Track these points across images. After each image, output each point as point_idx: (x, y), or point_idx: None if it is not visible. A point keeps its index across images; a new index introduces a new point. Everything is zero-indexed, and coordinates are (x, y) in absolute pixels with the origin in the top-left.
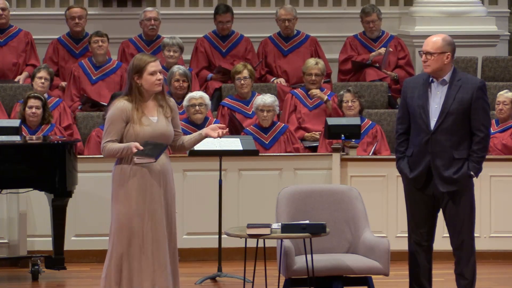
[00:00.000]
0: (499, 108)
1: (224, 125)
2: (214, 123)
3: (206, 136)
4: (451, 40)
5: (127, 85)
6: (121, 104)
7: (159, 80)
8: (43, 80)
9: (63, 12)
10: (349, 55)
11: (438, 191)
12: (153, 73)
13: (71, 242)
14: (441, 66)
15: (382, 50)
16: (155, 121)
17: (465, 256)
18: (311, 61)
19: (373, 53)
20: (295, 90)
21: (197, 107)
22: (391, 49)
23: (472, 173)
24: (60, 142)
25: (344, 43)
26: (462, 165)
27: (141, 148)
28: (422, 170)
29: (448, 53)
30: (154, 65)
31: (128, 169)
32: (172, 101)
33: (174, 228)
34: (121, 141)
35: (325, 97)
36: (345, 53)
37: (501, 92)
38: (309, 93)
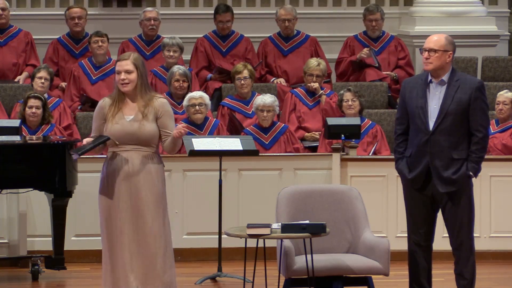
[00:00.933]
0: (499, 108)
1: (185, 125)
2: (214, 123)
3: (174, 137)
4: (453, 40)
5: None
6: (101, 102)
7: (122, 80)
8: (43, 80)
9: (63, 12)
10: (340, 58)
11: (437, 191)
12: (118, 72)
13: (71, 242)
14: (442, 64)
15: (365, 50)
16: (128, 120)
17: (464, 256)
18: (313, 62)
19: (358, 55)
20: (295, 89)
21: (197, 107)
22: (374, 49)
23: (471, 173)
24: (60, 142)
25: (343, 45)
26: (461, 165)
27: (84, 143)
28: (421, 171)
29: (450, 52)
30: (119, 64)
31: (103, 167)
32: (159, 101)
33: (160, 231)
34: None
35: (320, 90)
36: (340, 54)
37: (501, 92)
38: (308, 85)
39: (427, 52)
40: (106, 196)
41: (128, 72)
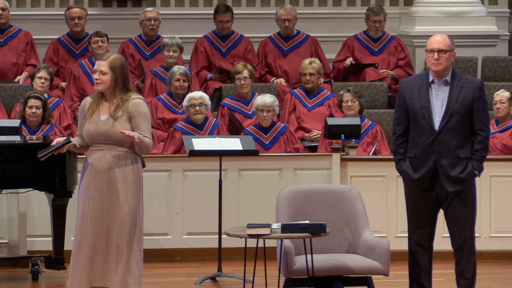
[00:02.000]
0: (496, 107)
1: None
2: (214, 123)
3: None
4: (453, 40)
5: None
6: (83, 101)
7: (95, 79)
8: (43, 80)
9: (63, 12)
10: (335, 61)
11: (442, 191)
12: (94, 71)
13: (71, 242)
14: (450, 64)
15: (348, 61)
16: (103, 119)
17: (465, 256)
18: (305, 61)
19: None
20: (294, 90)
21: (197, 107)
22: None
23: (476, 172)
24: None
25: (342, 45)
26: (467, 164)
27: (54, 143)
28: (427, 171)
29: (455, 51)
30: (97, 63)
31: (83, 165)
32: (134, 102)
33: (128, 229)
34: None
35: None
36: (338, 55)
37: (497, 92)
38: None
39: (436, 53)
40: (81, 194)
41: (102, 73)
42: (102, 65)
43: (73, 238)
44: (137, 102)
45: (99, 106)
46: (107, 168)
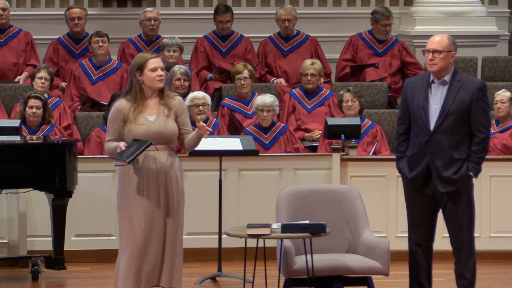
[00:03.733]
0: (497, 107)
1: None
2: (214, 123)
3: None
4: (454, 40)
5: (128, 84)
6: (118, 104)
7: (160, 76)
8: (43, 80)
9: (63, 12)
10: (342, 60)
11: (437, 191)
12: (153, 69)
13: (71, 242)
14: (446, 65)
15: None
16: (152, 119)
17: (464, 256)
18: (307, 62)
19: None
20: (293, 91)
21: (200, 107)
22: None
23: (471, 173)
24: (60, 142)
25: (346, 43)
26: (462, 165)
27: (123, 148)
28: (421, 170)
29: (454, 52)
30: (155, 61)
31: (127, 168)
32: (177, 99)
33: (179, 228)
34: (122, 140)
35: None
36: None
37: (498, 92)
38: None
39: (431, 53)
40: (131, 196)
41: (162, 69)
42: (160, 61)
43: (119, 240)
44: (180, 99)
45: (142, 108)
46: (166, 167)
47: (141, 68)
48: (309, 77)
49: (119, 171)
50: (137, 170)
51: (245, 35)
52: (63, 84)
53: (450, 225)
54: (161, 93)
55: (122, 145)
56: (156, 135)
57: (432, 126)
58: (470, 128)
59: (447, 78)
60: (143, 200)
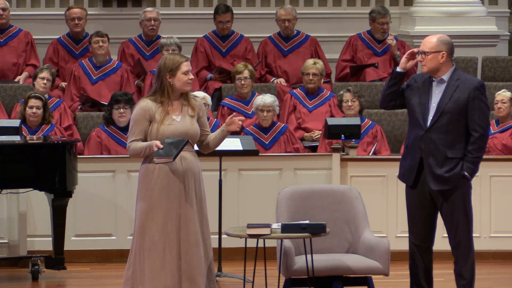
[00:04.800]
0: (497, 107)
1: (236, 114)
2: (214, 124)
3: (228, 131)
4: (448, 40)
5: (154, 84)
6: (144, 104)
7: (191, 79)
8: (45, 81)
9: (63, 12)
10: (342, 60)
11: (433, 190)
12: (186, 73)
13: (71, 242)
14: (436, 65)
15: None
16: (178, 120)
17: (462, 256)
18: (309, 61)
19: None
20: (294, 91)
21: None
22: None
23: (466, 173)
24: (60, 142)
25: (345, 43)
26: (456, 164)
27: (161, 146)
28: (412, 164)
29: (443, 52)
30: (187, 65)
31: (152, 168)
32: (198, 100)
33: (207, 227)
34: (145, 140)
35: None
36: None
37: (499, 92)
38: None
39: (421, 55)
40: (156, 197)
41: (192, 73)
42: (190, 65)
43: (145, 241)
44: (200, 101)
45: (169, 107)
46: (192, 167)
47: (173, 70)
48: (310, 77)
49: (141, 171)
50: (162, 170)
51: (245, 35)
52: (63, 84)
53: (448, 225)
54: (184, 93)
55: (157, 143)
56: (183, 135)
57: (427, 123)
58: (467, 127)
59: (445, 77)
60: (168, 201)
